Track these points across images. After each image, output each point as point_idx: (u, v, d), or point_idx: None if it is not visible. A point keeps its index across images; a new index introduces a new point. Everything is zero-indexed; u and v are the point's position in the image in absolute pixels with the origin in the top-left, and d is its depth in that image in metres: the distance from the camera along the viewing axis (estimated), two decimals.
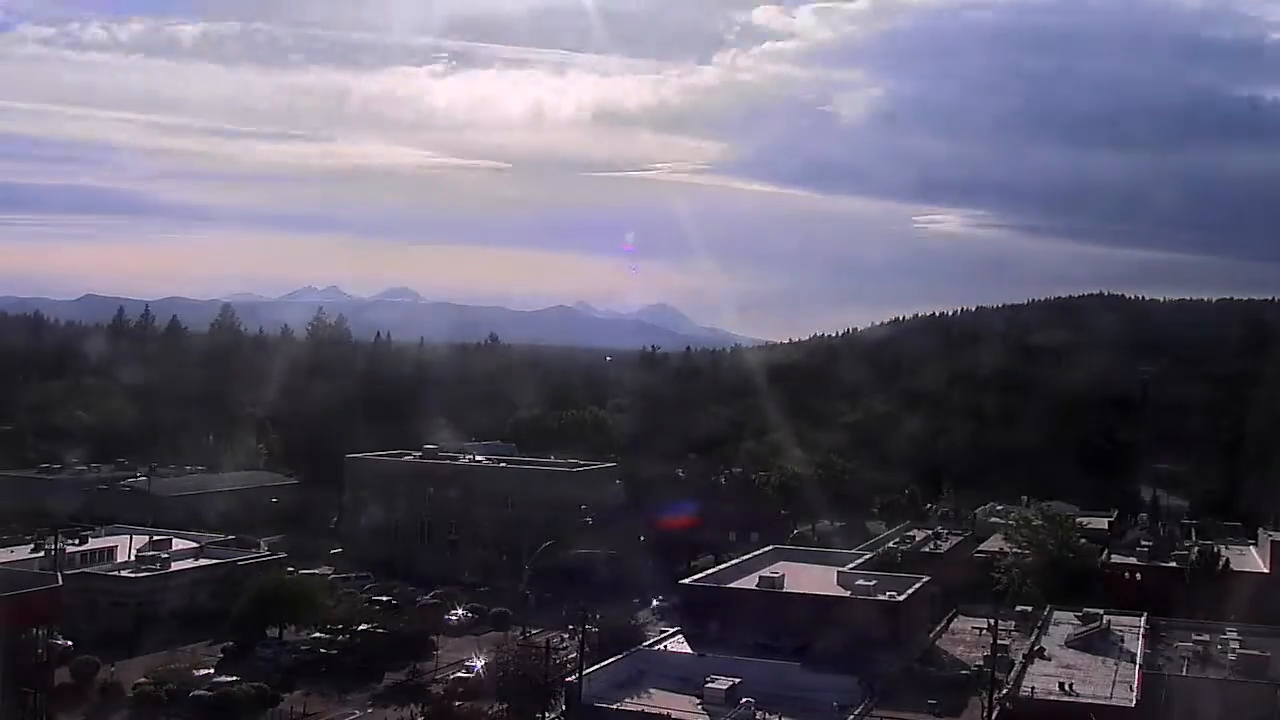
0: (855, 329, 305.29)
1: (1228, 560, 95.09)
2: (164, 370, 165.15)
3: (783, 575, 75.48)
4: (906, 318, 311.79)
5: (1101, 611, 75.21)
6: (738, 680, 58.91)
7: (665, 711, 56.30)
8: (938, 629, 77.47)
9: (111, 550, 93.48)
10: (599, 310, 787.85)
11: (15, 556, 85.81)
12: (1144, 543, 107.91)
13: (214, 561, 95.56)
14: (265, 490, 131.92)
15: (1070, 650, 68.39)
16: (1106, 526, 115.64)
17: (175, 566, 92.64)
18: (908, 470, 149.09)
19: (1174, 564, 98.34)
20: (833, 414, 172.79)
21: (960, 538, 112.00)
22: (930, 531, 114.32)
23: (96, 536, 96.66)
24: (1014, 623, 75.58)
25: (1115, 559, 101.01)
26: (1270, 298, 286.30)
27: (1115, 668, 64.17)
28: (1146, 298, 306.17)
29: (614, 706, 57.83)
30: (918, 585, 74.35)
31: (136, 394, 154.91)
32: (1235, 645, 69.67)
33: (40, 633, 66.71)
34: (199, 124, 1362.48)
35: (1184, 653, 70.17)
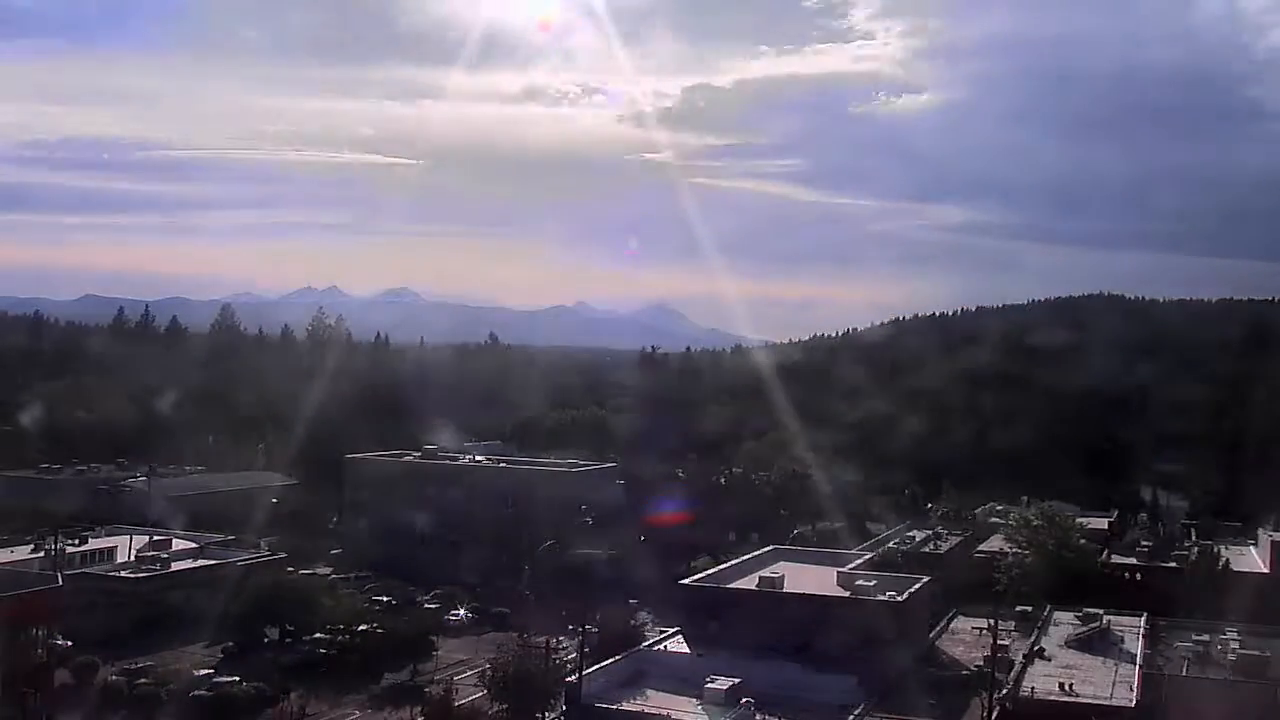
0: (855, 329, 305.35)
1: (1228, 560, 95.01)
2: (164, 370, 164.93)
3: (783, 575, 75.41)
4: (906, 318, 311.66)
5: (1101, 611, 75.25)
6: (738, 680, 58.92)
7: (665, 712, 56.29)
8: (938, 629, 77.48)
9: (111, 550, 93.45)
10: (599, 310, 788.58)
11: (15, 556, 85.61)
12: (1144, 543, 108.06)
13: (214, 561, 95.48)
14: (265, 490, 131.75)
15: (1070, 650, 68.44)
16: (1106, 526, 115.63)
17: (175, 566, 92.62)
18: (908, 470, 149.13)
19: (1174, 564, 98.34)
20: (833, 414, 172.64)
21: (960, 538, 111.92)
22: (930, 531, 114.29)
23: (96, 536, 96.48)
24: (1014, 623, 75.58)
25: (1115, 559, 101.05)
26: (1270, 298, 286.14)
27: (1115, 668, 64.22)
28: (1147, 298, 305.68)
29: (614, 706, 57.82)
30: (918, 585, 74.30)
31: (136, 394, 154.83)
32: (1235, 645, 69.64)
33: (40, 633, 66.73)
34: (200, 123, 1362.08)
35: (1184, 653, 70.20)
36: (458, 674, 76.09)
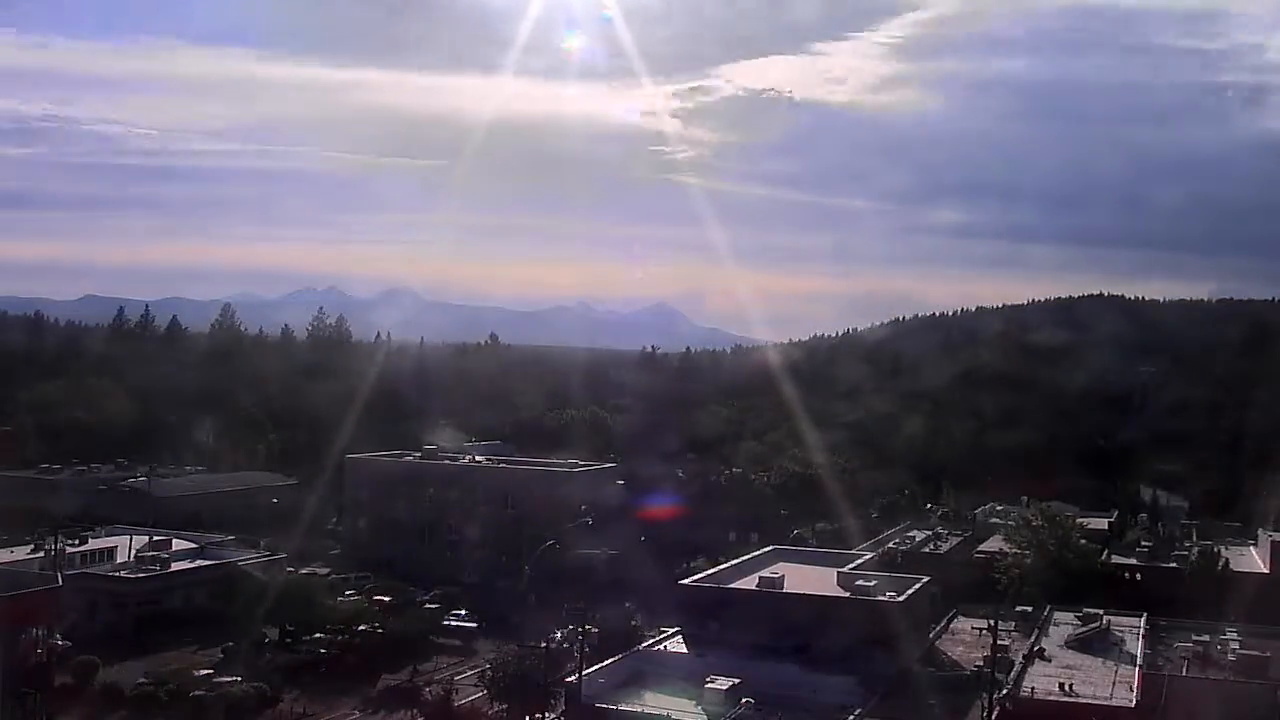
0: (855, 329, 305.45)
1: (1227, 560, 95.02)
2: (164, 370, 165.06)
3: (782, 575, 75.32)
4: (906, 318, 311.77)
5: (1101, 612, 75.19)
6: (738, 680, 58.86)
7: (665, 711, 56.25)
8: (938, 629, 77.41)
9: (111, 550, 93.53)
10: (599, 310, 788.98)
11: (15, 556, 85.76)
12: (1144, 543, 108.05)
13: (214, 561, 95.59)
14: (265, 490, 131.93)
15: (1070, 650, 68.40)
16: (1106, 526, 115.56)
17: (175, 567, 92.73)
18: (908, 470, 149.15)
19: (1174, 564, 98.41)
20: (833, 414, 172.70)
21: (960, 538, 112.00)
22: (930, 531, 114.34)
23: (96, 537, 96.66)
24: (1014, 623, 75.39)
25: (1115, 559, 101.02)
26: (1270, 298, 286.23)
27: (1115, 668, 64.17)
28: (1146, 298, 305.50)
29: (613, 707, 57.78)
30: (918, 585, 74.19)
31: (136, 394, 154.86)
32: (1235, 645, 69.68)
33: (40, 633, 66.80)
34: (199, 122, 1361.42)
35: (1184, 653, 70.22)
36: (458, 674, 76.13)
